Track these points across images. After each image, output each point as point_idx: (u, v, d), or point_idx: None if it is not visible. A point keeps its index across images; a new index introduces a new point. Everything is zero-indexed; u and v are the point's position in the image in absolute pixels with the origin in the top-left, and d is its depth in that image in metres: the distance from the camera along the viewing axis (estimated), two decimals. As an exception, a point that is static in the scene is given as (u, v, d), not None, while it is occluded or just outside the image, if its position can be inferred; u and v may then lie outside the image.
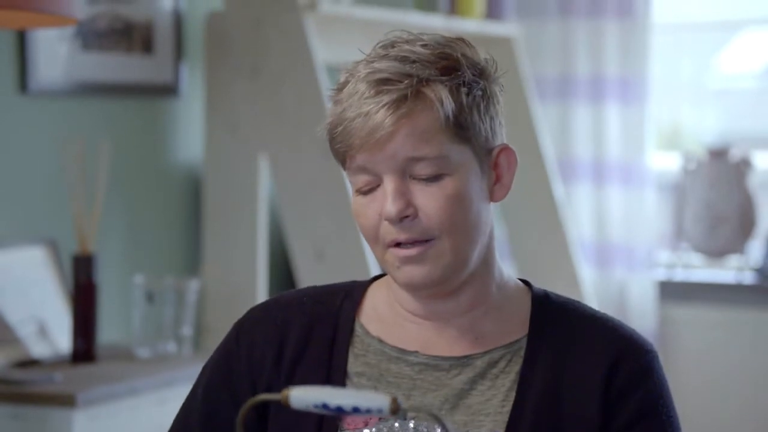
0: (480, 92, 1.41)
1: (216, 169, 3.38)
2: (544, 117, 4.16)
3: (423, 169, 1.39)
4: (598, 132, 4.26)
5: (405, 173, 1.40)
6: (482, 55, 1.44)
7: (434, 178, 1.40)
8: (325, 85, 3.25)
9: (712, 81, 4.63)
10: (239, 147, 3.35)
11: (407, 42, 1.42)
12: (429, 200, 1.39)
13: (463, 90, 1.40)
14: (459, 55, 1.42)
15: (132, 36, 3.28)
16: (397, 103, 1.38)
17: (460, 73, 1.40)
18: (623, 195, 4.24)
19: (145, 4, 3.30)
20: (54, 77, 3.05)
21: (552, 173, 3.96)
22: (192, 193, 3.46)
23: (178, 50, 3.41)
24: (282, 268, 3.58)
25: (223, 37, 3.35)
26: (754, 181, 4.27)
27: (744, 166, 4.25)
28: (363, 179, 1.42)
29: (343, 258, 3.21)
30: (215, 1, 3.46)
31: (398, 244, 1.41)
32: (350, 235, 3.21)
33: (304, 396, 1.22)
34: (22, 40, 2.98)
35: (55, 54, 3.05)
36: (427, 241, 1.40)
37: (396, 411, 1.19)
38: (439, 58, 1.41)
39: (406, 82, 1.38)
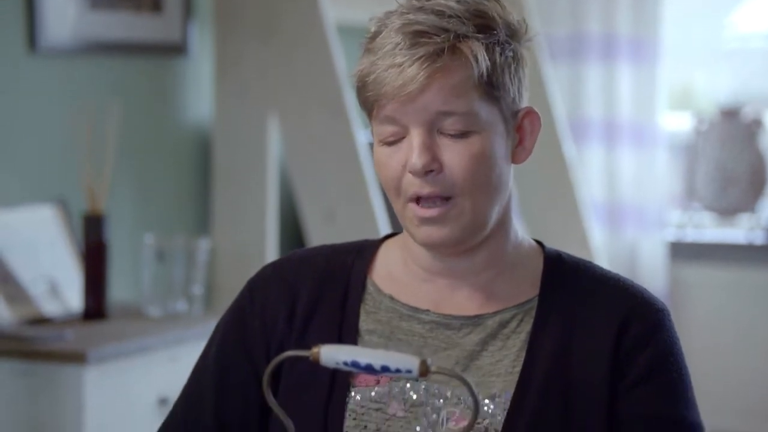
0: (511, 53, 1.42)
1: (226, 130, 3.37)
2: (555, 77, 4.14)
3: (452, 125, 1.39)
4: (610, 92, 4.25)
5: (433, 127, 1.40)
6: (514, 16, 1.44)
7: (462, 135, 1.39)
8: (336, 46, 3.23)
9: (724, 41, 4.61)
10: (249, 107, 3.34)
11: None
12: (455, 156, 1.39)
13: (497, 49, 1.40)
14: (494, 14, 1.42)
15: (141, -6, 3.27)
16: (433, 57, 1.38)
17: (495, 32, 1.40)
18: (634, 155, 4.23)
19: (155, -37, 3.29)
20: (62, 36, 3.04)
21: (563, 134, 3.95)
22: (202, 153, 3.46)
23: (187, 9, 3.39)
24: (292, 228, 3.59)
25: (232, -4, 3.34)
26: (765, 141, 4.26)
27: (756, 125, 4.24)
28: (389, 130, 1.41)
29: (353, 219, 3.21)
30: (225, -41, 3.44)
31: (418, 200, 1.40)
32: (361, 196, 3.20)
33: (334, 354, 1.23)
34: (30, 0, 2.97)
35: (63, 13, 3.04)
36: (447, 199, 1.40)
37: (425, 373, 1.20)
38: (475, 15, 1.40)
39: (442, 36, 1.38)
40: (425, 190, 1.39)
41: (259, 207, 3.36)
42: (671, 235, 4.31)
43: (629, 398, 1.41)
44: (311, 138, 3.26)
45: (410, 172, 1.40)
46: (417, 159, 1.39)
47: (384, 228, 3.18)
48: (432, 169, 1.39)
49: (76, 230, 2.94)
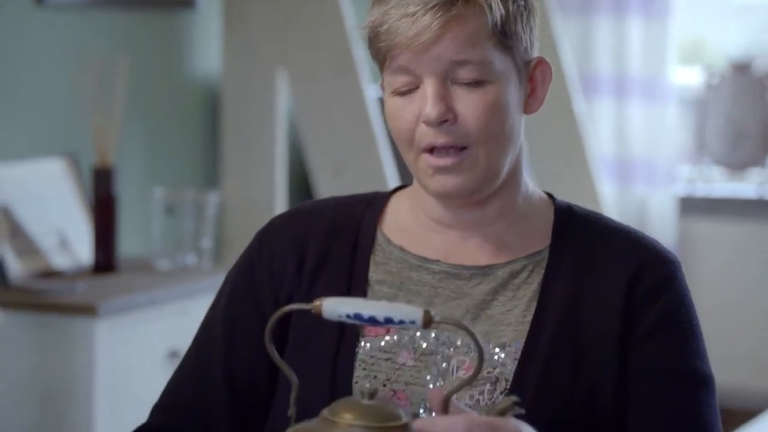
0: (523, 2, 1.42)
1: (234, 83, 3.37)
2: (565, 31, 4.12)
3: (466, 74, 1.39)
4: (620, 46, 4.22)
5: (447, 77, 1.39)
6: None
7: (476, 84, 1.39)
8: (345, 0, 3.22)
9: (736, -6, 4.58)
10: (258, 61, 3.33)
11: None
12: (469, 106, 1.39)
13: None
14: None
15: (149, -53, 3.25)
16: (446, 6, 1.37)
17: None
18: (645, 110, 4.22)
19: None
20: (71, -12, 3.03)
21: (573, 88, 3.93)
22: (210, 107, 3.46)
23: (196, -38, 3.38)
24: (300, 181, 3.59)
25: (241, -52, 3.32)
26: (776, 96, 4.23)
27: (767, 79, 4.21)
28: (402, 80, 1.40)
29: (361, 173, 3.21)
30: None
31: (432, 151, 1.40)
32: (369, 150, 3.20)
33: (336, 307, 1.22)
34: (38, -49, 2.96)
35: (72, -35, 3.03)
36: (461, 150, 1.39)
37: (429, 323, 1.20)
38: None
39: None
40: (439, 140, 1.39)
41: (267, 161, 3.36)
42: (681, 189, 4.30)
43: (640, 349, 1.41)
44: (320, 92, 3.26)
45: (424, 122, 1.39)
46: (431, 109, 1.38)
47: (393, 182, 3.18)
48: (446, 119, 1.39)
49: (85, 183, 2.94)
